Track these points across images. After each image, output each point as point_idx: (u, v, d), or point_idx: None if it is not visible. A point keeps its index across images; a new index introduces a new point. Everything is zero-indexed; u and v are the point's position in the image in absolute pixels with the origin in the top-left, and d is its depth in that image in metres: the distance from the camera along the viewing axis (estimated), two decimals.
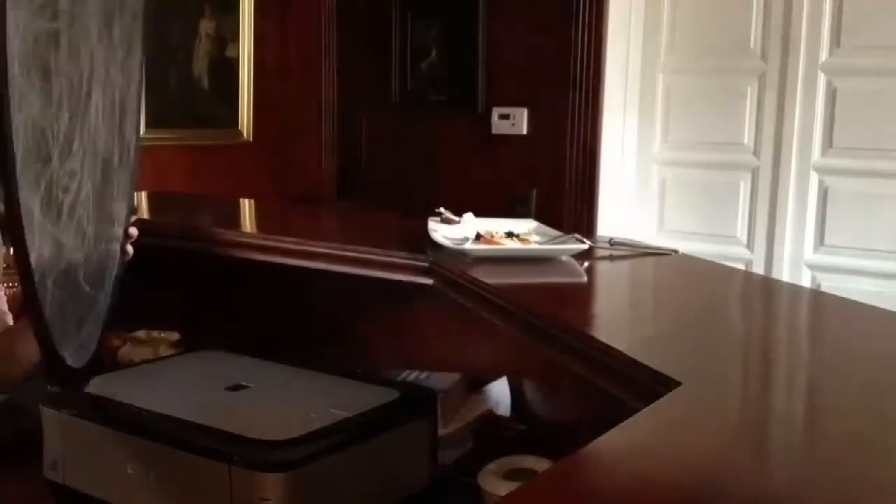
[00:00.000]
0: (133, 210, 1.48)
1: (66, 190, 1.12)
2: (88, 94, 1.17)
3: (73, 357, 1.16)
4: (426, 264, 1.54)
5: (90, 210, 1.22)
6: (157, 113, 3.27)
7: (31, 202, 1.01)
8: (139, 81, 1.40)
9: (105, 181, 1.28)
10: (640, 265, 1.68)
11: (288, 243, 1.68)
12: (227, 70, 3.53)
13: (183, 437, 1.14)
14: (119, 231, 1.41)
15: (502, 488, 1.23)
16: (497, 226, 1.70)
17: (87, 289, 1.23)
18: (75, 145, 1.14)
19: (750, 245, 3.15)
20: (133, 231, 1.47)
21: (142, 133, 3.18)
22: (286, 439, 1.11)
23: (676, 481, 0.70)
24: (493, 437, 1.49)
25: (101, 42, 1.20)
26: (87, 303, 1.24)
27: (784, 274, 3.05)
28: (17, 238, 0.99)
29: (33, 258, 1.01)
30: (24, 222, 0.99)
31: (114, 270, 1.38)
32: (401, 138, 3.70)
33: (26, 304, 1.05)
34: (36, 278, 1.02)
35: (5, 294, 1.60)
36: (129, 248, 1.47)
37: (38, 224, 1.04)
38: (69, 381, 1.20)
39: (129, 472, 1.19)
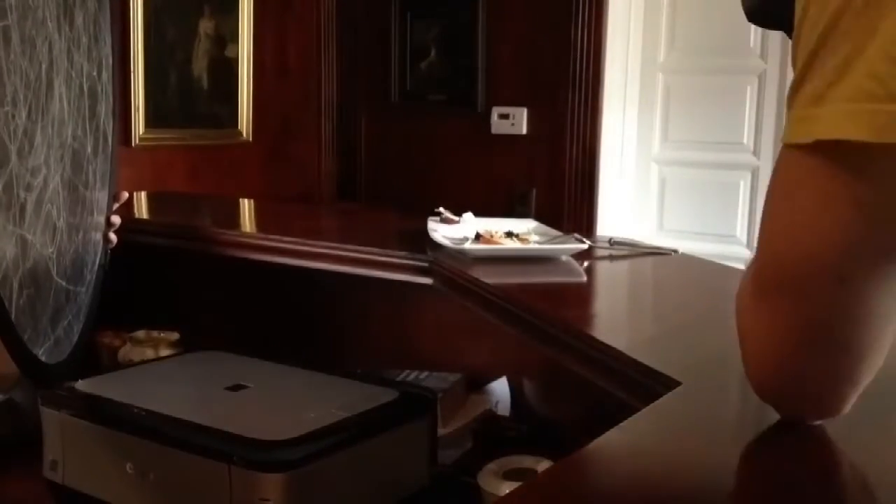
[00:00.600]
0: (115, 197, 1.45)
1: (28, 188, 1.10)
2: (50, 87, 1.16)
3: (49, 353, 1.16)
4: (426, 264, 1.54)
5: (60, 204, 1.21)
6: (156, 113, 3.27)
7: None
8: (112, 66, 1.38)
9: (77, 172, 1.27)
10: (640, 265, 1.68)
11: (288, 243, 1.68)
12: (226, 70, 3.53)
13: (182, 437, 1.14)
14: (100, 220, 1.39)
15: (502, 488, 1.23)
16: (497, 226, 1.70)
17: (63, 283, 1.22)
18: (37, 140, 1.12)
19: (750, 245, 3.15)
20: (115, 219, 1.44)
21: (142, 133, 3.20)
22: (286, 439, 1.11)
23: (676, 481, 0.70)
24: (493, 437, 1.49)
25: (60, 32, 1.18)
26: (64, 297, 1.23)
27: None
28: None
29: None
30: None
31: (95, 261, 1.37)
32: (401, 138, 3.70)
33: None
34: None
35: None
36: (113, 237, 1.44)
37: None
38: (43, 378, 1.20)
39: (129, 472, 1.19)
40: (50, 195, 1.17)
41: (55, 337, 1.19)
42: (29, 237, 1.11)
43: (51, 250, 1.18)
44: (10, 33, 1.04)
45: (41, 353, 1.14)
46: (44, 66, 1.14)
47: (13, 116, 1.06)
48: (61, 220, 1.22)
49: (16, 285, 1.06)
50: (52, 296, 1.19)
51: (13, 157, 1.06)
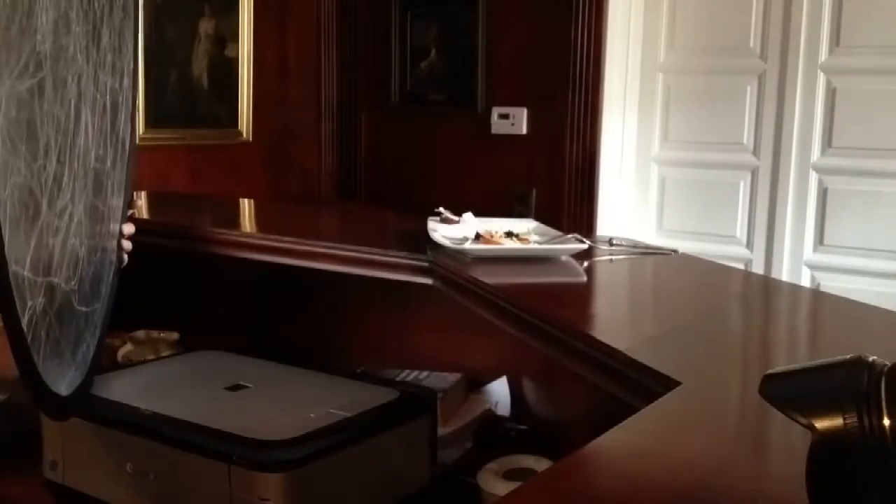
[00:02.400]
0: (130, 203, 1.42)
1: (56, 231, 1.07)
2: (77, 120, 1.12)
3: (70, 383, 1.13)
4: (426, 264, 1.54)
5: (82, 233, 1.17)
6: (156, 113, 3.27)
7: (19, 267, 0.96)
8: (133, 72, 1.34)
9: (97, 192, 1.24)
10: (640, 265, 1.68)
11: (288, 243, 1.68)
12: (226, 70, 3.53)
13: (183, 437, 1.14)
14: (115, 227, 1.35)
15: (502, 488, 1.23)
16: (497, 226, 1.70)
17: (84, 308, 1.19)
18: (65, 181, 1.09)
19: (750, 245, 3.15)
20: (129, 228, 1.42)
21: (142, 133, 3.20)
22: (286, 439, 1.11)
23: (676, 481, 0.70)
24: (492, 436, 1.49)
25: (88, 60, 1.15)
26: (84, 322, 1.20)
27: (784, 274, 3.05)
28: (8, 312, 0.94)
29: (25, 320, 0.97)
30: (16, 296, 0.94)
31: (110, 272, 1.34)
32: (400, 138, 3.70)
33: (18, 363, 0.99)
34: (29, 339, 0.98)
35: None
36: (127, 244, 1.43)
37: (30, 284, 0.99)
38: (64, 412, 1.17)
39: (129, 472, 1.19)
40: (74, 229, 1.13)
41: (75, 364, 1.16)
42: (55, 281, 1.07)
43: (73, 283, 1.14)
44: (45, 83, 1.01)
45: (63, 389, 1.11)
46: (73, 102, 1.10)
47: (45, 167, 1.02)
48: (83, 248, 1.18)
49: (44, 335, 1.03)
50: (74, 326, 1.16)
51: (44, 209, 1.03)
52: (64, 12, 1.06)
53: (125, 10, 1.29)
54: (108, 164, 1.27)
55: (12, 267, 0.93)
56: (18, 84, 0.96)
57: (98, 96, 1.20)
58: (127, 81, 1.32)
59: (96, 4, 1.17)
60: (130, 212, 1.44)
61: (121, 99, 1.31)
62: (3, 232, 0.90)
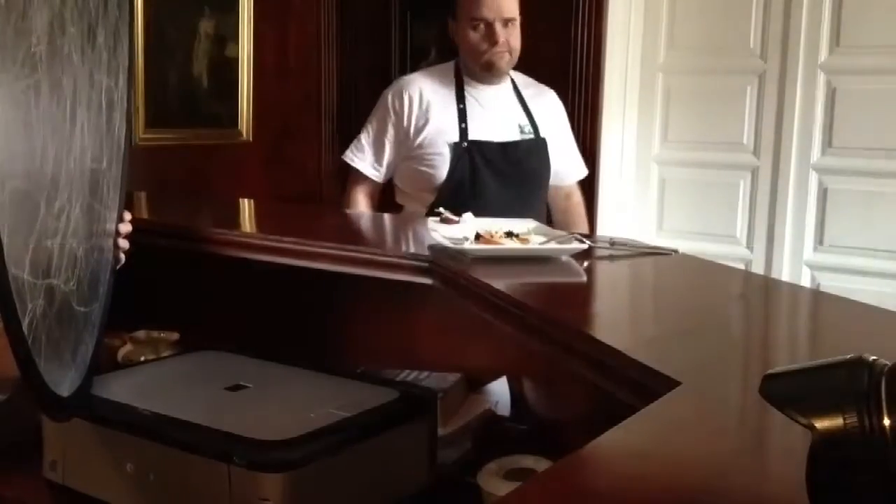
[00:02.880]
0: (124, 199, 1.42)
1: (54, 233, 1.07)
2: (73, 121, 1.12)
3: (70, 385, 1.13)
4: (426, 264, 1.54)
5: (80, 234, 1.17)
6: (156, 113, 3.27)
7: (19, 271, 0.95)
8: (129, 70, 1.34)
9: (94, 193, 1.23)
10: (640, 265, 1.68)
11: (288, 243, 1.68)
12: (226, 70, 3.53)
13: (183, 437, 1.14)
14: (111, 227, 1.36)
15: (502, 488, 1.22)
16: (497, 225, 1.70)
17: (83, 309, 1.19)
18: (62, 182, 1.08)
19: (750, 245, 3.15)
20: (125, 228, 1.41)
21: (142, 133, 3.20)
22: (286, 439, 1.11)
23: (676, 481, 0.70)
24: (493, 437, 1.49)
25: (83, 60, 1.14)
26: (83, 322, 1.20)
27: (784, 274, 3.05)
28: (9, 316, 0.94)
29: (26, 323, 0.96)
30: (16, 299, 0.93)
31: (108, 271, 1.34)
32: None
33: (20, 366, 0.98)
34: (30, 342, 0.97)
35: None
36: (124, 243, 1.43)
37: (29, 287, 0.98)
38: (66, 413, 1.17)
39: (129, 472, 1.19)
40: (72, 230, 1.13)
41: (75, 365, 1.16)
42: (55, 282, 1.07)
43: (72, 284, 1.14)
44: (41, 85, 1.01)
45: (65, 390, 1.11)
46: (68, 103, 1.10)
47: (42, 169, 1.02)
48: (81, 249, 1.18)
49: (44, 337, 1.03)
50: (73, 327, 1.16)
51: (42, 211, 1.02)
52: (59, 12, 1.06)
53: (120, 7, 1.29)
54: (104, 163, 1.28)
55: (12, 270, 0.93)
56: (14, 86, 0.96)
57: (93, 95, 1.20)
58: (122, 80, 1.32)
59: (91, 3, 1.17)
60: (128, 216, 1.43)
61: (116, 97, 1.31)
62: (2, 236, 0.90)
